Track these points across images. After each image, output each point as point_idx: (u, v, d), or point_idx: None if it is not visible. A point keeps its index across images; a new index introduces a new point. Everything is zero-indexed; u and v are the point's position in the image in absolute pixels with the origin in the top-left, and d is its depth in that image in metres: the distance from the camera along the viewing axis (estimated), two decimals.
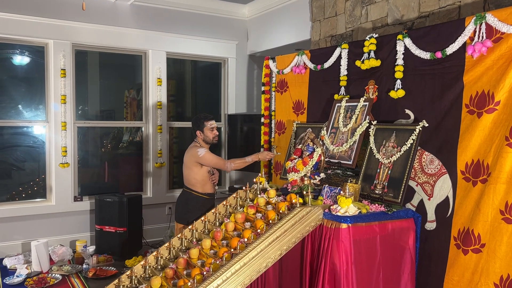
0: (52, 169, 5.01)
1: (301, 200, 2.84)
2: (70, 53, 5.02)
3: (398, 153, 2.90)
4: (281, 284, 3.05)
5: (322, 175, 3.28)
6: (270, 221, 2.77)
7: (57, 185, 5.01)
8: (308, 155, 3.30)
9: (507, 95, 2.47)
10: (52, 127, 4.99)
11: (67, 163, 5.02)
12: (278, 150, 4.38)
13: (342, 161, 3.35)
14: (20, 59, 5.07)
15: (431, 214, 2.89)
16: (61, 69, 4.96)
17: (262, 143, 4.63)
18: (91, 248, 4.88)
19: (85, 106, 5.43)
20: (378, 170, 3.00)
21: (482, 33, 2.58)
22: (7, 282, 4.05)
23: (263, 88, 4.65)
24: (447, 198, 2.78)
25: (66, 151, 5.01)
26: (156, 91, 5.52)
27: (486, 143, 2.57)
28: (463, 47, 2.70)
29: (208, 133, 3.74)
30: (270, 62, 4.54)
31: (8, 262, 4.47)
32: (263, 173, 3.92)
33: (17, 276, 4.16)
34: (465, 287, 2.61)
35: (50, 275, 4.22)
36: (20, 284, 4.02)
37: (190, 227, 3.15)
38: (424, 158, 2.94)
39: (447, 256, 2.74)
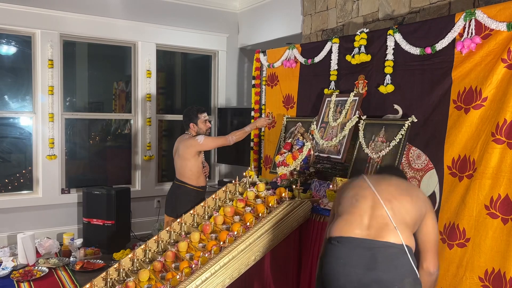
0: (39, 161, 4.95)
1: (290, 194, 2.85)
2: (58, 44, 4.93)
3: (387, 148, 2.92)
4: (271, 277, 3.06)
5: (312, 169, 3.30)
6: (259, 215, 2.77)
7: (44, 177, 4.95)
8: (297, 149, 3.31)
9: (494, 91, 2.50)
10: (39, 118, 4.91)
11: (54, 155, 4.96)
12: (268, 142, 4.39)
13: (331, 156, 3.37)
14: (7, 49, 4.97)
15: None
16: (49, 60, 4.87)
17: (252, 137, 4.62)
18: (79, 241, 4.85)
19: (73, 98, 5.36)
20: (367, 165, 3.02)
21: (472, 29, 2.60)
22: None
23: (253, 82, 4.63)
24: (433, 193, 2.81)
25: (53, 143, 4.95)
26: (145, 83, 5.46)
27: (472, 138, 2.60)
28: (453, 43, 2.72)
29: (202, 125, 3.74)
30: (261, 56, 4.52)
31: None
32: (252, 167, 3.92)
33: (2, 268, 4.11)
34: (450, 281, 2.65)
35: (36, 267, 4.18)
36: (6, 277, 3.97)
37: (178, 220, 3.14)
38: (411, 153, 2.96)
39: None
